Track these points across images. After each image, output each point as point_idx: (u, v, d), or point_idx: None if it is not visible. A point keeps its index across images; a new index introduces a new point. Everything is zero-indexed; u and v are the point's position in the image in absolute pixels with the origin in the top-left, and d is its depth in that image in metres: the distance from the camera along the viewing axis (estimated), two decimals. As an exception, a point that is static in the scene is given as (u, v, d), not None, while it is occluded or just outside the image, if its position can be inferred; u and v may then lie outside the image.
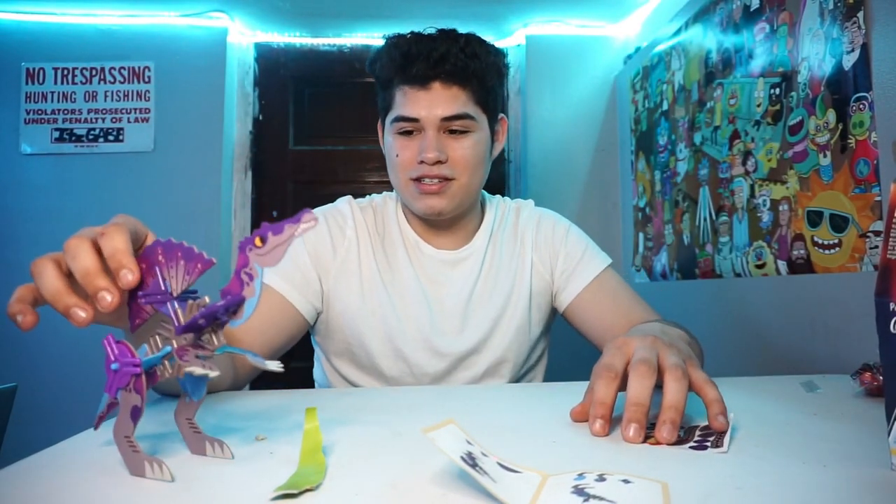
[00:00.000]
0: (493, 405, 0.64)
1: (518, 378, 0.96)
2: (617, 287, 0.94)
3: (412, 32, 0.89)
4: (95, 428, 0.44)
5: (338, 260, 0.91)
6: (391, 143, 0.90)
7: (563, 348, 1.10)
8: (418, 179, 0.87)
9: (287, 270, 0.87)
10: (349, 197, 0.99)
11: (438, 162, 0.86)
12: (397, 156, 0.89)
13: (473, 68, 0.87)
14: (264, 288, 0.84)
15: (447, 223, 0.94)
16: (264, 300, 0.84)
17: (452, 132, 0.87)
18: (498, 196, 1.05)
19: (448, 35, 0.88)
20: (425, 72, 0.85)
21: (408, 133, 0.88)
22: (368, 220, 0.95)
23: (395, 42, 0.88)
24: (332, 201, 0.98)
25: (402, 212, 0.97)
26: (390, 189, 1.00)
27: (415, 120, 0.86)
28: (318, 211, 0.95)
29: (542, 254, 0.97)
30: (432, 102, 0.86)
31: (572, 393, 0.70)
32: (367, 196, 1.02)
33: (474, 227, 0.98)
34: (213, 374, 0.38)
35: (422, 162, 0.86)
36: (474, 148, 0.88)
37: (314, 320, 0.91)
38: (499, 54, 0.91)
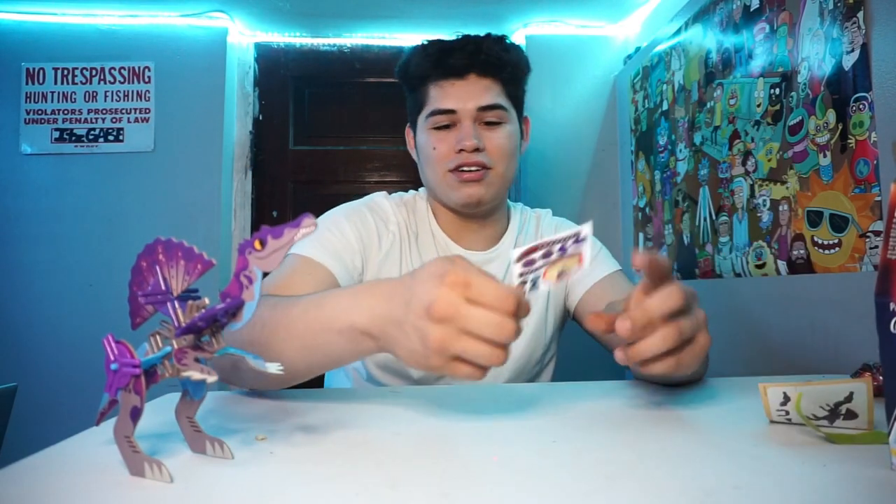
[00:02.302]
0: (493, 405, 0.64)
1: (531, 377, 0.97)
2: (626, 288, 0.95)
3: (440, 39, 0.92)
4: (97, 424, 0.44)
5: (381, 252, 0.91)
6: (426, 139, 0.91)
7: (564, 351, 1.10)
8: (457, 169, 0.88)
9: (336, 249, 0.86)
10: (384, 192, 0.99)
11: (476, 150, 0.87)
12: (434, 149, 0.89)
13: (506, 60, 0.89)
14: (310, 262, 0.83)
15: (477, 222, 0.95)
16: (313, 275, 0.82)
17: (487, 123, 0.89)
18: (520, 203, 1.07)
19: (478, 35, 0.90)
20: (462, 62, 0.87)
21: (444, 127, 0.89)
22: (405, 218, 0.96)
23: (427, 42, 0.91)
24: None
25: (432, 212, 0.98)
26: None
27: (451, 112, 0.88)
28: (358, 203, 0.95)
29: None
30: (468, 93, 0.88)
31: (573, 393, 0.70)
32: (397, 193, 1.01)
33: (501, 229, 0.99)
34: (212, 379, 0.38)
35: (460, 151, 0.87)
36: (508, 138, 0.90)
37: None
38: (523, 52, 0.94)
